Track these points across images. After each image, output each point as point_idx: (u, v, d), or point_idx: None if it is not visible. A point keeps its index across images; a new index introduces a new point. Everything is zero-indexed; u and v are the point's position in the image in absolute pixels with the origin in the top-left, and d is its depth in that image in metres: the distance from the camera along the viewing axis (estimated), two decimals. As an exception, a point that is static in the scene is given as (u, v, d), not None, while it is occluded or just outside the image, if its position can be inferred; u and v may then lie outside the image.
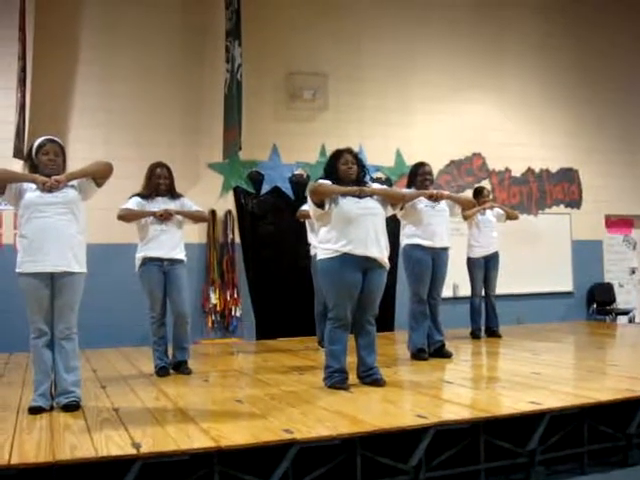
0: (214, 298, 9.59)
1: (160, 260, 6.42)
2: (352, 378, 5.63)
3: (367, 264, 5.46)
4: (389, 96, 10.74)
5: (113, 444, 3.79)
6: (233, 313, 9.66)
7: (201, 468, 3.77)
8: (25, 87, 8.71)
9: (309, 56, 10.37)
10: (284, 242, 9.96)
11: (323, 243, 5.55)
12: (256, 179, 10.06)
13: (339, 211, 5.47)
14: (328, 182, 5.57)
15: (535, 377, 5.79)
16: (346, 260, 5.40)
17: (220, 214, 9.80)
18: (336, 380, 5.46)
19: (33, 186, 4.86)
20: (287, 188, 10.11)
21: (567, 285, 11.88)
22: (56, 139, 5.10)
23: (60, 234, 4.80)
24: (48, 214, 4.79)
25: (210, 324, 9.61)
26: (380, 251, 5.51)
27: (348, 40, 10.58)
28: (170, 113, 9.68)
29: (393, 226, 10.13)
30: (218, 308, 9.62)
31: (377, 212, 5.59)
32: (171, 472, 3.76)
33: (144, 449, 3.67)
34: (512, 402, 4.80)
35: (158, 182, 6.50)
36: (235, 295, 9.71)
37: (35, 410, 4.71)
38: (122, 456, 3.61)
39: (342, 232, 5.43)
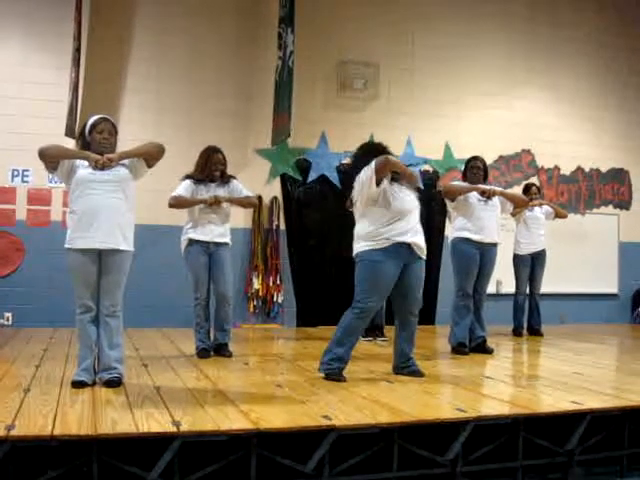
0: (257, 283, 9.64)
1: (206, 243, 6.48)
2: (387, 368, 5.64)
3: (407, 254, 5.45)
4: (440, 89, 10.67)
5: (154, 421, 3.83)
6: (275, 299, 9.71)
7: (239, 449, 3.79)
8: (79, 67, 8.81)
9: (361, 45, 10.33)
10: (329, 231, 9.96)
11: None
12: (303, 167, 10.07)
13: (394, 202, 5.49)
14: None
15: (576, 377, 5.73)
16: (388, 250, 5.41)
17: (266, 200, 9.84)
18: (333, 369, 5.44)
19: (85, 163, 4.92)
20: (334, 177, 10.10)
21: (612, 287, 11.73)
22: (110, 118, 5.16)
23: (110, 212, 4.85)
24: (99, 191, 4.85)
25: (251, 309, 9.68)
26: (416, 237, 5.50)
27: (401, 31, 10.52)
28: (220, 97, 9.73)
29: (437, 219, 10.26)
30: (260, 293, 9.68)
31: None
32: (209, 452, 3.79)
33: (184, 428, 3.70)
34: (553, 400, 4.75)
35: (215, 168, 6.54)
36: (277, 281, 9.76)
37: (78, 384, 4.78)
38: (162, 433, 3.64)
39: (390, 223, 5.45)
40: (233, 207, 6.71)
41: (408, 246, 5.42)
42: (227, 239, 6.61)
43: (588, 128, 11.64)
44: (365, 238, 5.47)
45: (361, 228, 5.54)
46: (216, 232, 6.50)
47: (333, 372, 5.41)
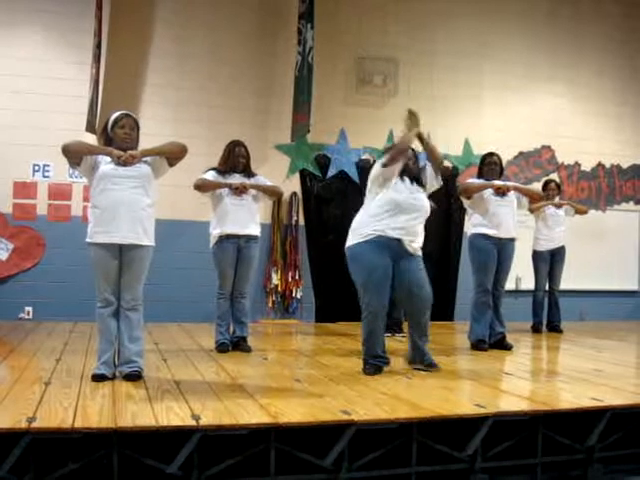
0: (276, 279, 9.66)
1: (236, 237, 6.48)
2: (406, 363, 5.64)
3: (398, 249, 5.46)
4: (460, 84, 10.61)
5: (173, 415, 3.85)
6: (294, 294, 9.73)
7: (258, 444, 3.80)
8: (99, 63, 8.84)
9: (381, 41, 10.30)
10: (348, 226, 9.91)
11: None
12: (323, 162, 10.07)
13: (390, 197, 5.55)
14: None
15: (596, 374, 5.69)
16: (378, 243, 5.46)
17: (285, 196, 9.80)
18: (366, 365, 5.50)
19: (107, 159, 4.95)
20: (353, 173, 10.10)
21: (632, 284, 11.65)
22: (132, 114, 5.18)
23: (131, 207, 4.88)
24: (121, 187, 4.88)
25: (270, 304, 9.70)
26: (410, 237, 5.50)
27: (421, 27, 10.49)
28: (240, 93, 9.74)
29: (456, 216, 10.24)
30: (279, 289, 9.69)
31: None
32: (228, 446, 3.79)
33: (203, 421, 3.71)
34: (572, 397, 4.73)
35: (237, 160, 6.58)
36: (297, 277, 9.76)
37: (98, 378, 4.82)
38: (182, 427, 3.66)
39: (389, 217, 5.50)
40: (261, 200, 6.76)
41: (397, 241, 5.44)
42: (257, 231, 6.65)
43: (609, 124, 11.54)
44: (353, 231, 5.73)
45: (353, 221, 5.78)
46: (245, 220, 6.51)
47: (366, 368, 5.47)
